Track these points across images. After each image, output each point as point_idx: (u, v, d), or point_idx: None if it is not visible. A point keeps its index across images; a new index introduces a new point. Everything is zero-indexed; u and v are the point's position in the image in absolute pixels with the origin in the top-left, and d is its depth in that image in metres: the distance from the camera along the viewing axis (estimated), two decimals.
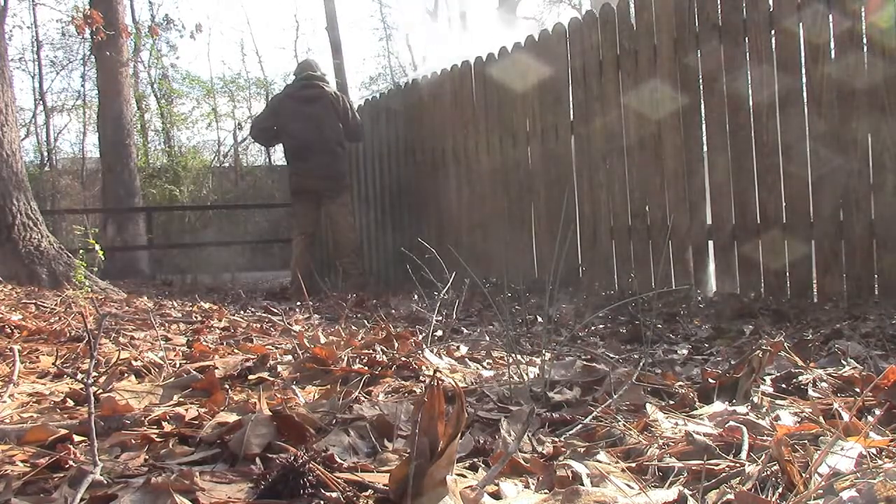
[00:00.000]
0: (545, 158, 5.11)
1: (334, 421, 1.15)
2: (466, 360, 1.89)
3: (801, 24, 3.62)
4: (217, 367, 1.60)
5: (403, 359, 1.70)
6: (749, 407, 1.27)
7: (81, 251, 4.65)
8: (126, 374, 1.62)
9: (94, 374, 1.38)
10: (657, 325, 2.88)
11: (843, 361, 1.78)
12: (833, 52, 3.49)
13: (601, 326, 3.10)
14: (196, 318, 2.94)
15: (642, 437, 1.11)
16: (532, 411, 1.13)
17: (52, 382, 1.56)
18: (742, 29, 3.87)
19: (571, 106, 4.90)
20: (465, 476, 0.97)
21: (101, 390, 1.41)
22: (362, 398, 1.33)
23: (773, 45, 3.74)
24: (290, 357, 1.78)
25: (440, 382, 0.87)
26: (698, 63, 4.09)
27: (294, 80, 5.98)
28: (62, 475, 0.93)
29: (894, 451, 0.99)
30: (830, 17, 3.50)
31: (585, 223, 4.82)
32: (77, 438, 1.10)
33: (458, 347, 2.11)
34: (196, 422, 1.19)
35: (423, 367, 1.65)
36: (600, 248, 4.71)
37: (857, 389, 1.42)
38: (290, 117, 5.70)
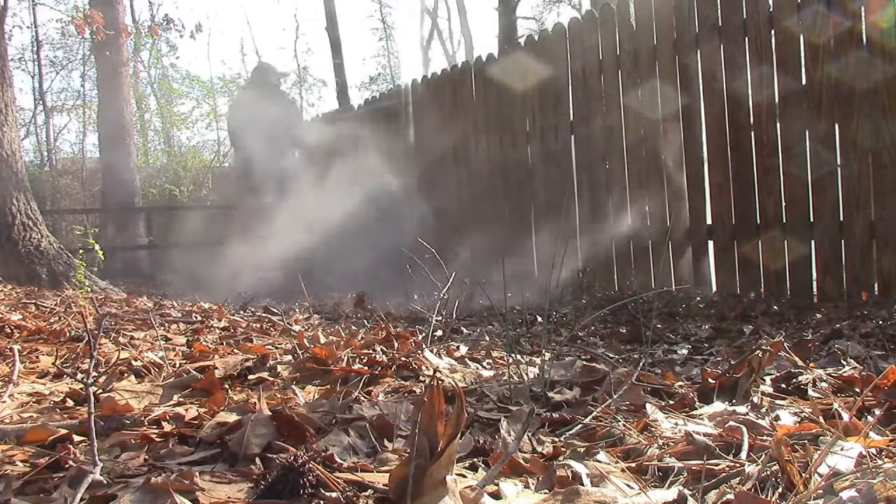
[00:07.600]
0: (545, 158, 5.11)
1: (334, 421, 1.15)
2: (466, 360, 1.89)
3: (801, 24, 3.62)
4: (217, 367, 1.60)
5: (403, 359, 1.70)
6: (749, 407, 1.27)
7: (81, 251, 4.65)
8: (126, 374, 1.62)
9: (94, 374, 1.38)
10: (657, 325, 2.88)
11: (843, 361, 1.78)
12: (833, 53, 3.49)
13: (601, 326, 3.10)
14: (196, 318, 2.93)
15: (642, 437, 1.11)
16: (532, 411, 1.13)
17: (52, 382, 1.56)
18: (742, 29, 3.87)
19: (571, 106, 4.90)
20: (465, 476, 0.97)
21: (101, 390, 1.41)
22: (362, 398, 1.33)
23: (773, 45, 3.74)
24: (289, 357, 1.78)
25: (440, 382, 0.87)
26: (698, 63, 4.09)
27: None
28: (62, 475, 0.93)
29: (894, 451, 0.99)
30: (830, 17, 3.50)
31: (585, 223, 4.82)
32: (77, 438, 1.10)
33: (457, 347, 2.11)
34: (196, 422, 1.19)
35: (423, 367, 1.64)
36: (600, 249, 4.71)
37: (857, 389, 1.42)
38: None
